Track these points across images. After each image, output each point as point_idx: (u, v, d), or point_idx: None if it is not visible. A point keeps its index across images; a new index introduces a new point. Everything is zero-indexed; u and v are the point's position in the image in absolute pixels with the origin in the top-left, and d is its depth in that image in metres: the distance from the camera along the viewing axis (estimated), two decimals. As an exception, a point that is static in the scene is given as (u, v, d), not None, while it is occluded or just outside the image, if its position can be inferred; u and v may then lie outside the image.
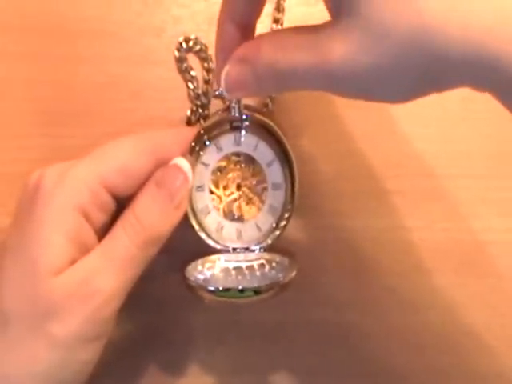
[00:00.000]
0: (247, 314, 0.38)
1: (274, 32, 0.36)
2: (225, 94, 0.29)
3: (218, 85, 0.30)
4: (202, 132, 0.33)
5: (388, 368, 0.38)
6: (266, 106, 0.39)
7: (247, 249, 0.34)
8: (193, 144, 0.33)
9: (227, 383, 0.38)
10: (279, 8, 0.39)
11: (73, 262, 0.29)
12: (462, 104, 0.39)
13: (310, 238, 0.38)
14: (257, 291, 0.30)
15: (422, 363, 0.38)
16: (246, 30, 0.30)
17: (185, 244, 0.32)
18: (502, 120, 0.38)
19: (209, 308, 0.37)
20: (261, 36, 0.28)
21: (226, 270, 0.32)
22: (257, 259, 0.33)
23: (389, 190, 0.39)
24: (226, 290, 0.31)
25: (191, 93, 0.39)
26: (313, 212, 0.38)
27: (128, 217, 0.30)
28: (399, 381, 0.38)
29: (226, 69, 0.28)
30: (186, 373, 0.38)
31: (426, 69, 0.24)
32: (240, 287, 0.30)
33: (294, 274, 0.31)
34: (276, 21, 0.39)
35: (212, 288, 0.30)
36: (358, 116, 0.39)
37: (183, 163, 0.32)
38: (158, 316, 0.38)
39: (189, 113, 0.39)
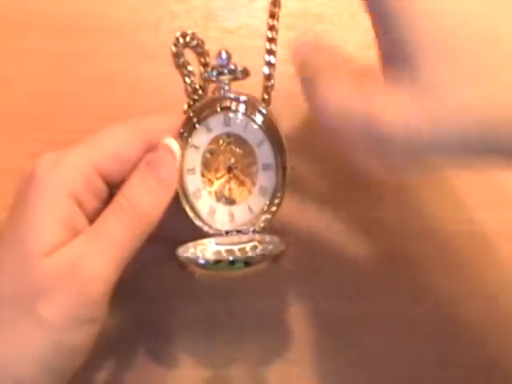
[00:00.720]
0: (242, 304, 0.37)
1: None
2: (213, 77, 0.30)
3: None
4: (191, 115, 0.33)
5: (384, 357, 0.38)
6: (263, 100, 0.39)
7: (239, 231, 0.33)
8: (181, 129, 0.33)
9: (222, 374, 0.37)
10: (275, 3, 0.39)
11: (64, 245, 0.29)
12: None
13: (309, 226, 0.38)
14: (247, 263, 0.30)
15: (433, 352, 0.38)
16: None
17: (177, 233, 0.32)
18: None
19: (203, 299, 0.37)
20: None
21: (218, 252, 0.31)
22: (249, 241, 0.32)
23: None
24: (217, 262, 0.30)
25: (188, 87, 0.39)
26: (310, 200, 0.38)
27: (118, 199, 0.30)
28: (393, 370, 0.38)
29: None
30: (180, 364, 0.37)
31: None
32: (231, 258, 0.30)
33: (283, 247, 0.31)
34: (272, 15, 0.39)
35: (202, 262, 0.30)
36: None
37: (171, 142, 0.32)
38: (151, 307, 0.37)
39: (186, 107, 0.39)
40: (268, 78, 0.39)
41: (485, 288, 0.38)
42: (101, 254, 0.29)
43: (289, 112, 0.38)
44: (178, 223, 0.32)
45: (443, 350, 0.37)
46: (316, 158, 0.38)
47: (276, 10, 0.39)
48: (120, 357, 0.37)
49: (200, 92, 0.39)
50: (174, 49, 0.39)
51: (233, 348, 0.37)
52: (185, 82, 0.39)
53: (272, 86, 0.39)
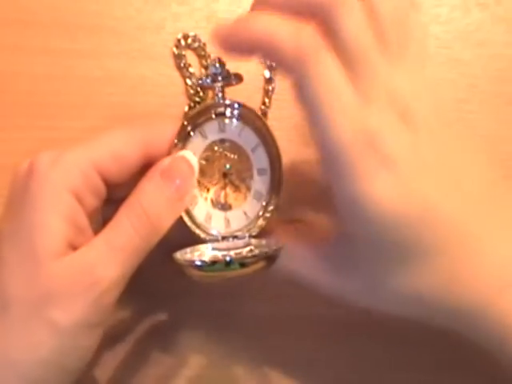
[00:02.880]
0: (241, 306, 0.38)
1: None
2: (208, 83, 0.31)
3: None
4: (185, 123, 0.33)
5: (380, 362, 0.38)
6: (263, 103, 0.39)
7: (235, 237, 0.33)
8: (176, 137, 0.33)
9: (220, 374, 0.38)
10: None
11: (70, 244, 0.29)
12: (458, 105, 0.39)
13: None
14: (242, 264, 0.30)
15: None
16: None
17: (174, 233, 0.32)
18: (497, 121, 0.39)
19: (202, 299, 0.37)
20: None
21: (214, 257, 0.32)
22: (245, 246, 0.32)
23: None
24: (213, 263, 0.30)
25: (189, 89, 0.39)
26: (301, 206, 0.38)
27: (134, 206, 0.30)
28: (392, 373, 0.38)
29: None
30: (178, 364, 0.38)
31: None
32: (227, 259, 0.30)
33: (278, 247, 0.31)
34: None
35: (199, 263, 0.30)
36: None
37: (190, 156, 0.32)
38: (150, 307, 0.38)
39: (186, 109, 0.39)
40: (269, 81, 0.39)
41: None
42: (115, 262, 0.29)
43: (288, 116, 0.39)
44: (174, 223, 0.32)
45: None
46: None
47: None
48: (119, 356, 0.37)
49: (201, 94, 0.39)
50: (175, 50, 0.39)
51: (233, 348, 0.38)
52: (186, 83, 0.39)
53: (273, 89, 0.39)
